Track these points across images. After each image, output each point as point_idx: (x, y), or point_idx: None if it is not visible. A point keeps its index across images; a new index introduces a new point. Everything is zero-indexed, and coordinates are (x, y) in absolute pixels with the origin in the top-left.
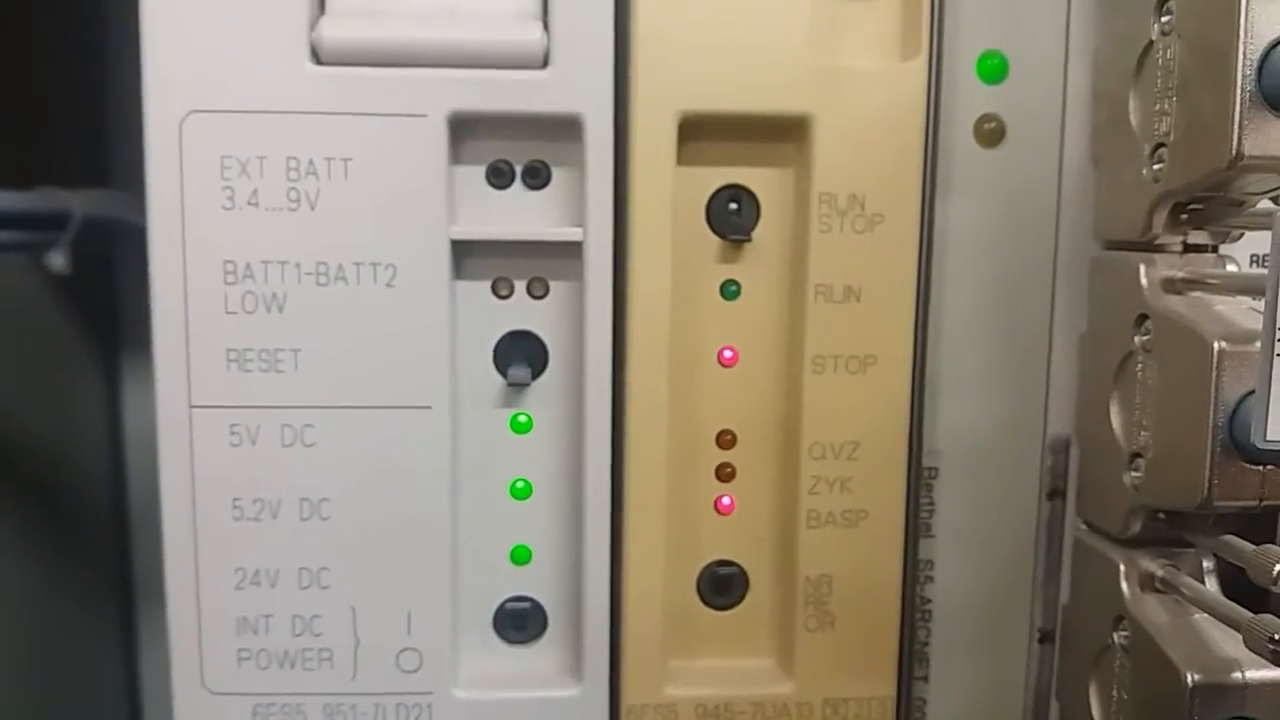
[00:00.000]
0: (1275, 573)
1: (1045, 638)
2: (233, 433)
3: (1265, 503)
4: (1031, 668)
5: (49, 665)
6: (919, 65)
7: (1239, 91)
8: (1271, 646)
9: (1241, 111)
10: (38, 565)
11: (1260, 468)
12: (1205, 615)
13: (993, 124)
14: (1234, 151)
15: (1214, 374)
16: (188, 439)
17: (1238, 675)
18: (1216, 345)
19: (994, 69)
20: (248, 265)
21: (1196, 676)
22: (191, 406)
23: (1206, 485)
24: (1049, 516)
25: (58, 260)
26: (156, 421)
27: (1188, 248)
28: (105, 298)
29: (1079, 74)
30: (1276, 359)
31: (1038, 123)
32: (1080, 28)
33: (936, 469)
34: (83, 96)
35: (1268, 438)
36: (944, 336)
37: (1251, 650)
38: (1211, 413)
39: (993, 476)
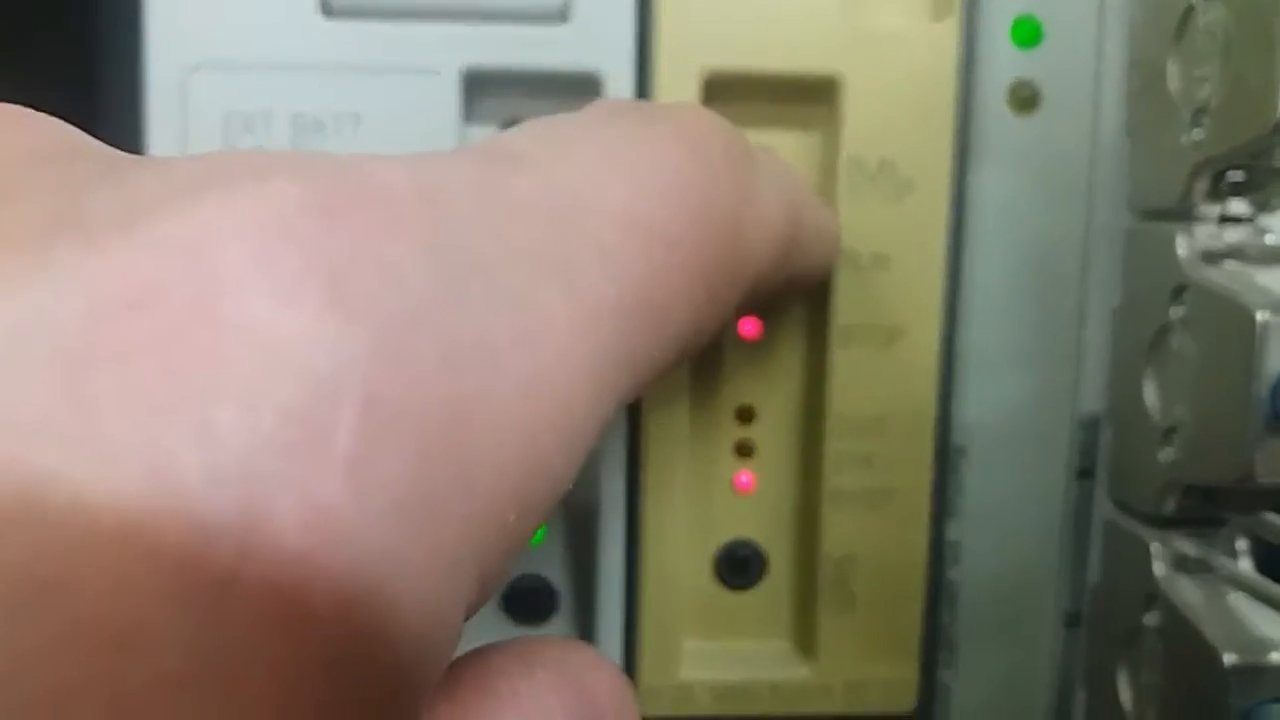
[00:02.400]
0: None
1: (1073, 620)
2: None
3: None
4: (1059, 651)
5: None
6: (951, 27)
7: None
8: None
9: None
10: None
11: None
12: (1241, 595)
13: (1027, 90)
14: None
15: (1257, 346)
16: None
17: (1277, 656)
18: (1260, 316)
19: (1028, 33)
20: None
21: (1234, 657)
22: None
23: (1249, 460)
24: (1078, 496)
25: None
26: None
27: (1225, 218)
28: None
29: (1115, 40)
30: None
31: (1072, 89)
32: None
33: (964, 447)
34: (71, 75)
35: None
36: (974, 309)
37: None
38: (1253, 386)
39: (1021, 455)
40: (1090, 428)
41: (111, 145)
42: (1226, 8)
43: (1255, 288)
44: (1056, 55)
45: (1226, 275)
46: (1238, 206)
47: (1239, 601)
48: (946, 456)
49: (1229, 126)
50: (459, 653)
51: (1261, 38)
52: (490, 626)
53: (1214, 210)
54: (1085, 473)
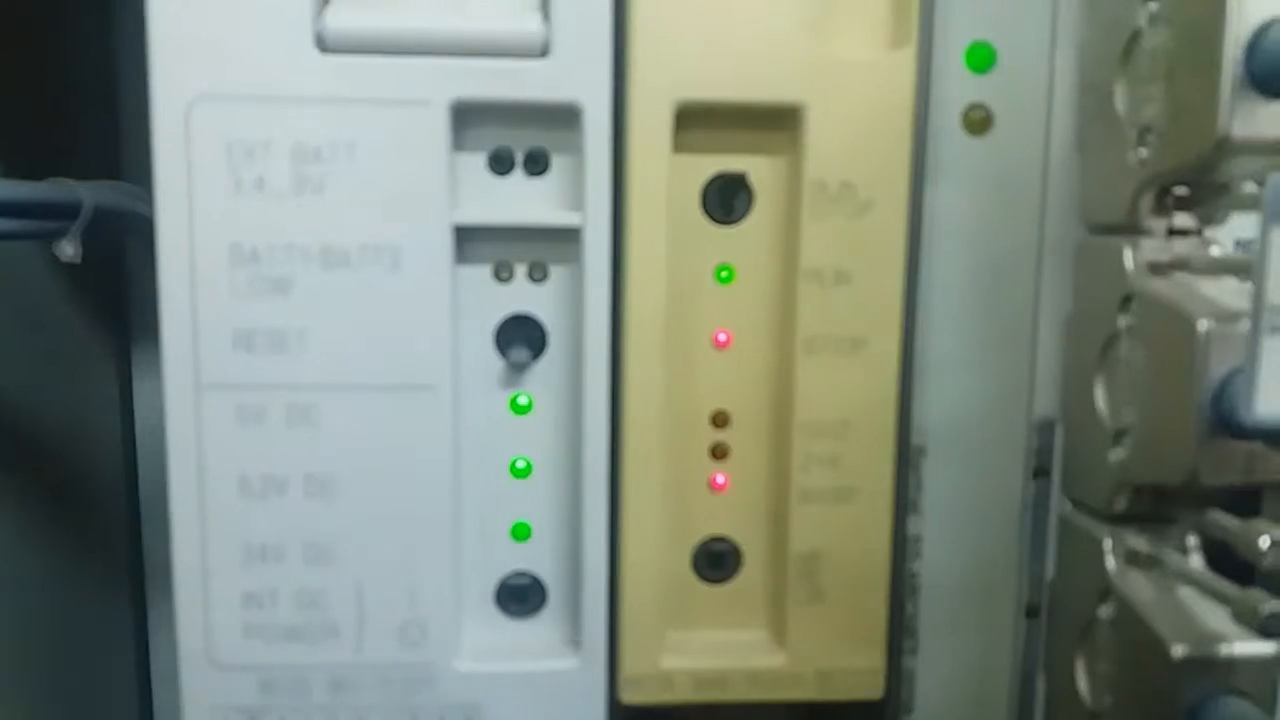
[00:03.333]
0: (1263, 546)
1: (1031, 612)
2: (240, 412)
3: (1254, 479)
4: (1018, 642)
5: (63, 647)
6: (909, 55)
7: (1227, 74)
8: (1261, 619)
9: (1230, 94)
10: (52, 550)
11: (1247, 445)
12: (1190, 590)
13: (980, 113)
14: (1222, 133)
15: (1200, 353)
16: (195, 418)
17: (1224, 648)
18: (1202, 324)
19: (982, 58)
20: (254, 249)
21: (1183, 649)
22: (199, 387)
23: (1193, 462)
24: (1034, 495)
25: (68, 249)
26: (165, 403)
27: (1173, 231)
28: (116, 288)
29: (1065, 63)
30: (1265, 335)
31: (1024, 111)
32: (1067, 18)
33: (924, 448)
34: (94, 92)
35: (1257, 413)
36: (932, 319)
37: (1240, 623)
38: (1197, 391)
39: (979, 456)
40: (1045, 430)
41: (131, 181)
42: (1170, 31)
43: (1199, 297)
44: (1009, 79)
45: (1172, 286)
46: (1184, 220)
47: (1188, 596)
48: (907, 457)
49: (1173, 144)
50: (461, 643)
51: (1203, 59)
52: (484, 620)
53: (1162, 224)
54: (1040, 472)
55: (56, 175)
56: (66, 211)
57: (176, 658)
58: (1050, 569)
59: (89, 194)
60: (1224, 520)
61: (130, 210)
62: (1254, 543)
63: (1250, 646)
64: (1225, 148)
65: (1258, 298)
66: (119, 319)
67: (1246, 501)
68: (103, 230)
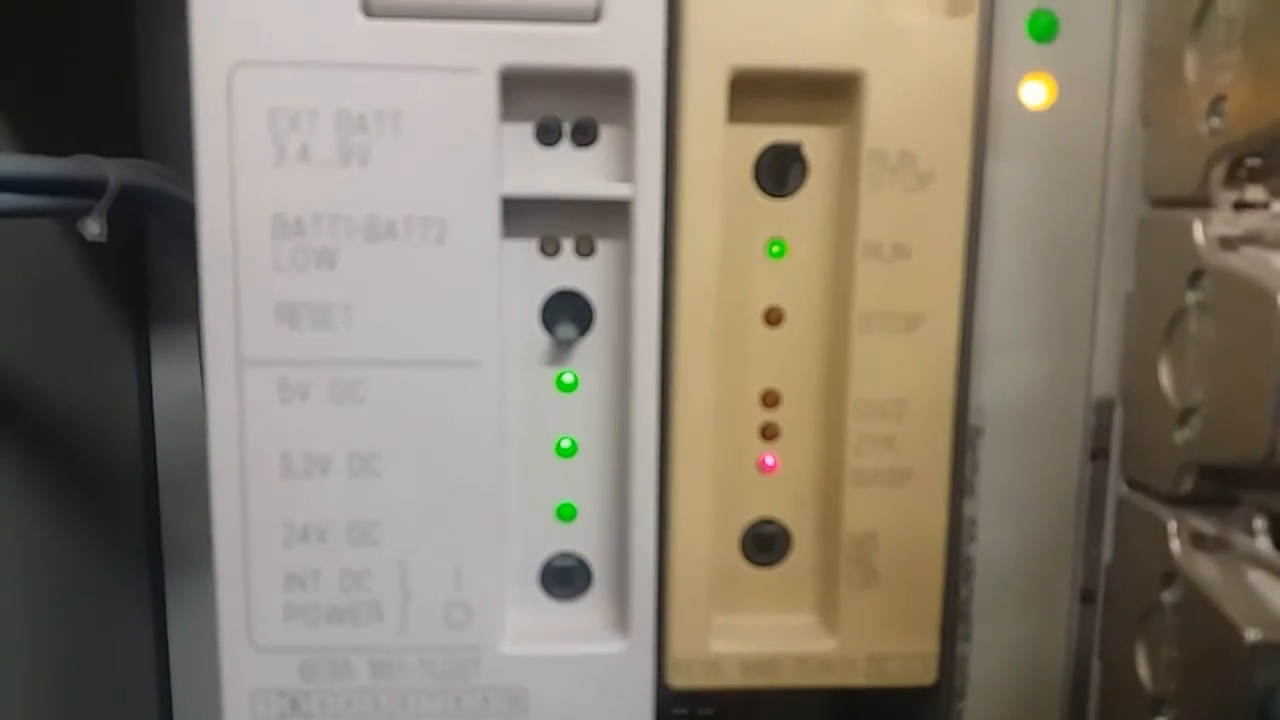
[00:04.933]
0: None
1: (1087, 597)
2: (283, 388)
3: None
4: (1073, 627)
5: (80, 626)
6: (970, 22)
7: None
8: None
9: None
10: (69, 529)
11: None
12: (1259, 573)
13: (1044, 81)
14: None
15: (1278, 327)
16: (237, 395)
17: None
18: None
19: (1045, 27)
20: (298, 220)
21: (1257, 634)
22: (241, 362)
23: (1272, 441)
24: (1092, 476)
25: (93, 227)
26: (205, 378)
27: (1240, 205)
28: (136, 267)
29: (1130, 32)
30: None
31: (1088, 81)
32: None
33: (981, 428)
34: (113, 69)
35: None
36: (991, 296)
37: None
38: (1276, 367)
39: (1037, 436)
40: (1104, 410)
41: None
42: None
43: (1274, 271)
44: (1072, 48)
45: (1244, 260)
46: (1254, 193)
47: (1258, 579)
48: (964, 437)
49: (1252, 112)
50: (506, 625)
51: None
52: (528, 602)
53: (1229, 197)
54: (1099, 453)
55: (76, 152)
56: (92, 189)
57: (194, 639)
58: (1107, 552)
59: (115, 171)
60: None
61: (154, 188)
62: None
63: None
64: None
65: None
66: (138, 299)
67: None
68: (124, 208)
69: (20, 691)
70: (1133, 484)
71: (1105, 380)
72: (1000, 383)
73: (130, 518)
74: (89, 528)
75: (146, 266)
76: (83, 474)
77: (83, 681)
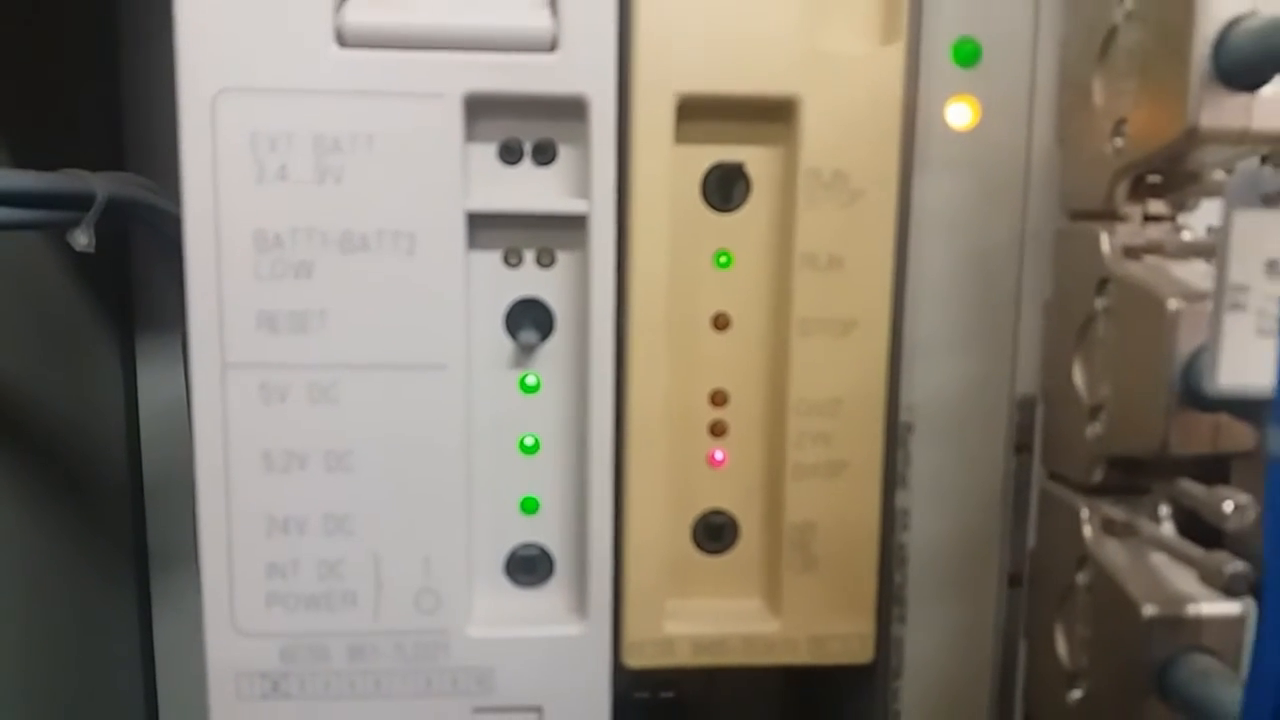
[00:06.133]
0: (1226, 511)
1: (1014, 581)
2: (263, 390)
3: (1220, 449)
4: (1001, 608)
5: (69, 629)
6: (898, 50)
7: (1196, 68)
8: (1225, 579)
9: (1198, 87)
10: (57, 534)
11: (1214, 416)
12: (1162, 556)
13: (967, 105)
14: (1191, 123)
15: (1169, 331)
16: (221, 396)
17: (1191, 608)
18: (1172, 304)
19: (968, 53)
20: (277, 234)
21: (1153, 609)
22: (224, 366)
23: (1164, 433)
24: (1016, 468)
25: (81, 239)
26: (190, 382)
27: (1148, 218)
28: (121, 277)
29: (1047, 58)
30: (1225, 312)
31: (1008, 104)
32: (1049, 16)
33: (912, 425)
34: (98, 89)
35: (1219, 385)
36: (920, 302)
37: (1206, 584)
38: (1167, 367)
39: (964, 432)
40: (1026, 407)
41: (134, 171)
42: (1143, 28)
43: (1169, 279)
44: (994, 73)
45: (1145, 269)
46: (1157, 207)
47: (1160, 561)
48: (896, 434)
49: (1147, 135)
50: (474, 610)
51: (1174, 54)
52: (494, 589)
53: (1136, 211)
54: (1022, 447)
55: (63, 168)
56: (80, 202)
57: (178, 634)
58: (1032, 539)
59: (102, 185)
60: (1192, 488)
61: (139, 200)
62: (1218, 507)
63: (1216, 606)
64: (1194, 137)
65: (1220, 278)
66: (123, 306)
67: (1216, 471)
68: (111, 220)
69: (14, 685)
70: (1053, 475)
71: (1028, 379)
72: (930, 382)
73: (117, 518)
74: (77, 528)
75: (131, 275)
76: (70, 475)
77: (73, 675)
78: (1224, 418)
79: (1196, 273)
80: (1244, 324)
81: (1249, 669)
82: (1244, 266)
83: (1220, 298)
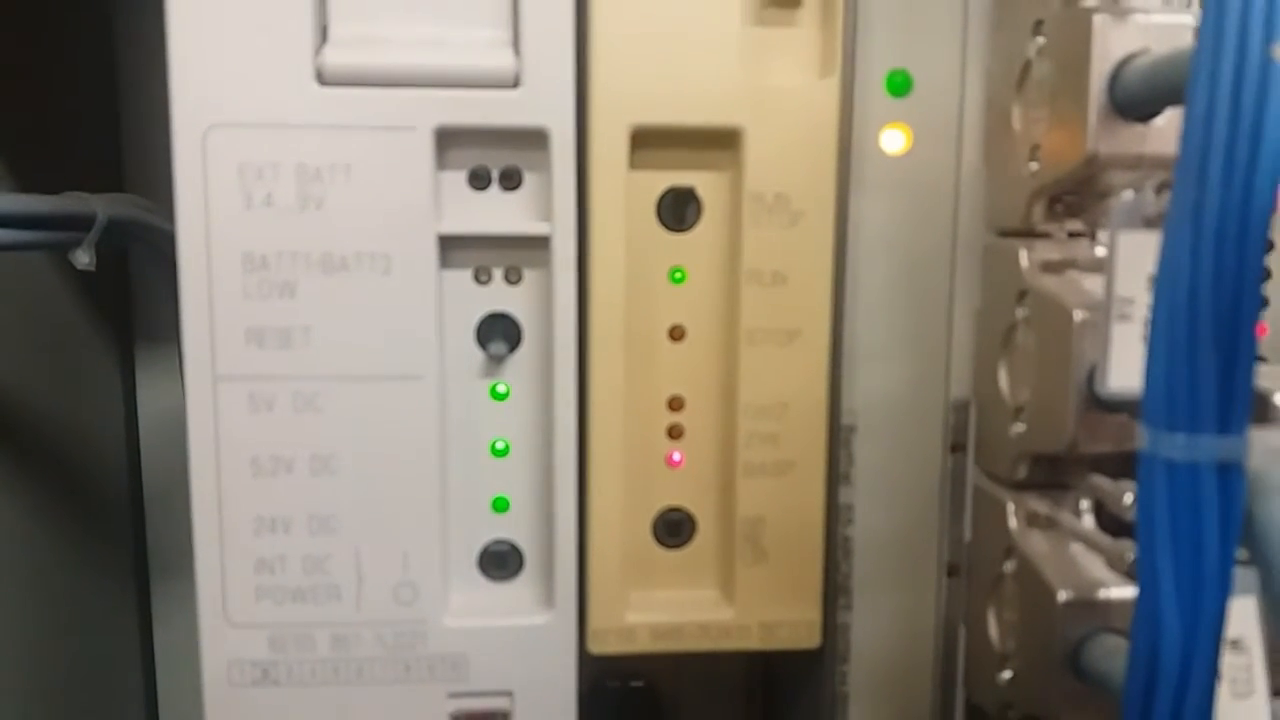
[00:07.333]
0: (1127, 502)
1: (952, 571)
2: (252, 400)
3: (1125, 447)
4: (941, 597)
5: (71, 635)
6: (835, 82)
7: (1094, 100)
8: (1127, 565)
9: (1096, 117)
10: (60, 539)
11: (1119, 417)
12: (1079, 546)
13: (900, 132)
14: (1090, 151)
15: (1076, 338)
16: (213, 406)
17: (1102, 592)
18: (1077, 314)
19: (900, 84)
20: (264, 256)
21: (1066, 594)
22: (216, 378)
23: (1072, 433)
24: (952, 466)
25: (83, 258)
26: (186, 392)
27: (1071, 234)
28: (122, 292)
29: (974, 88)
30: (1114, 323)
31: (938, 130)
32: (975, 48)
33: (854, 426)
34: (98, 115)
35: (1109, 387)
36: (859, 313)
37: (1113, 570)
38: (1075, 371)
39: (903, 432)
40: (961, 409)
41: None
42: (1052, 63)
43: (1079, 291)
44: (925, 102)
45: (1059, 282)
46: (1076, 225)
47: (1078, 551)
48: (839, 434)
49: (1056, 160)
50: (449, 602)
51: (1075, 87)
52: (468, 582)
53: (1057, 228)
54: (957, 447)
55: (64, 189)
56: (81, 223)
57: (177, 635)
58: (968, 532)
59: (102, 206)
60: (1101, 482)
61: (138, 220)
62: (1120, 499)
63: (1123, 590)
64: (1094, 162)
65: (1108, 292)
66: (123, 321)
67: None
68: (111, 239)
69: (18, 688)
70: (984, 472)
71: (961, 384)
72: (870, 387)
73: (117, 523)
74: (79, 533)
75: (131, 290)
76: (73, 482)
77: (74, 676)
78: (1129, 418)
79: (1103, 286)
80: (1130, 333)
81: (1129, 650)
82: (1129, 282)
83: (1109, 310)
